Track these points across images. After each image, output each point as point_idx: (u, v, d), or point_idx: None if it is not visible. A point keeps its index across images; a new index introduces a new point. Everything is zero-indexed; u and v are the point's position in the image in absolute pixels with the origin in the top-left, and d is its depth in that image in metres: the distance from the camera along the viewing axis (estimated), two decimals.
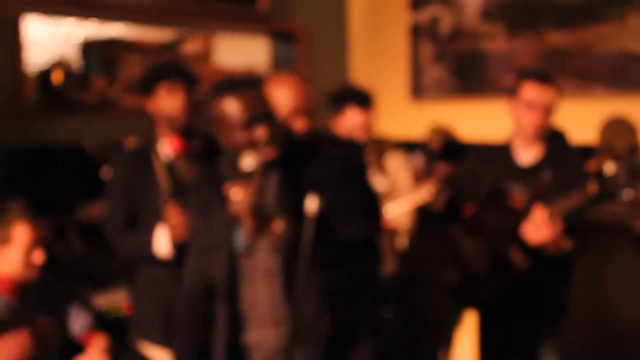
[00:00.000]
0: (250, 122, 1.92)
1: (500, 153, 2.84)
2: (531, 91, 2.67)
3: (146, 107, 2.68)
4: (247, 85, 1.96)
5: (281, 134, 2.00)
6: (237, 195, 1.90)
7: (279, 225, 1.94)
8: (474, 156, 2.98)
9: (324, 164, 2.02)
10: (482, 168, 2.89)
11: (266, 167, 1.96)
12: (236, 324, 2.03)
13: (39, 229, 2.48)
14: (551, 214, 2.45)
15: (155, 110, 2.64)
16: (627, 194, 2.35)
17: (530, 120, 2.68)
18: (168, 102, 2.61)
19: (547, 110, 2.67)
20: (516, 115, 2.73)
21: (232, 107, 1.92)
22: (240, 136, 1.93)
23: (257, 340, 2.04)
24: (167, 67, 2.73)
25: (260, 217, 1.91)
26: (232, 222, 1.99)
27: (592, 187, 2.38)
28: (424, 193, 3.21)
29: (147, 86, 2.63)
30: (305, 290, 1.90)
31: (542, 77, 2.69)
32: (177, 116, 2.62)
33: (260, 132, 1.93)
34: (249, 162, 1.92)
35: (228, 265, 2.00)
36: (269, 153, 1.95)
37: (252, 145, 1.93)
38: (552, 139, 2.76)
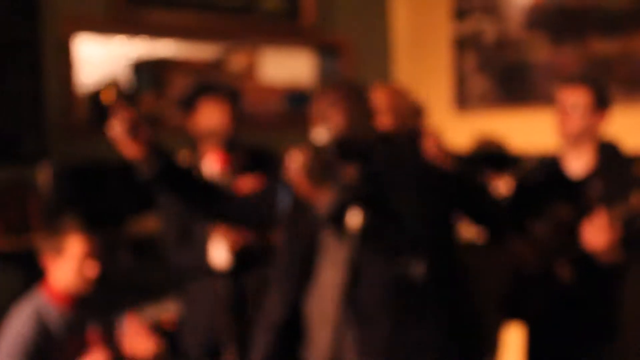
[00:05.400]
0: None
1: (549, 165, 2.79)
2: (561, 94, 2.64)
3: (189, 124, 2.73)
4: None
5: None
6: (296, 159, 1.89)
7: (325, 196, 1.91)
8: (524, 168, 2.95)
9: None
10: (532, 180, 2.85)
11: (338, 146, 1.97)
12: None
13: (94, 241, 2.46)
14: (611, 218, 2.38)
15: (198, 126, 2.69)
16: None
17: (562, 123, 2.63)
18: (211, 117, 2.65)
19: (580, 113, 2.60)
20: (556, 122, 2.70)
21: None
22: None
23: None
24: (207, 84, 2.80)
25: (313, 183, 1.90)
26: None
27: None
28: None
29: (188, 103, 2.69)
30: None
31: (574, 79, 2.66)
32: (221, 130, 2.65)
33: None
34: (320, 133, 1.94)
35: None
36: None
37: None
38: (604, 149, 2.69)
